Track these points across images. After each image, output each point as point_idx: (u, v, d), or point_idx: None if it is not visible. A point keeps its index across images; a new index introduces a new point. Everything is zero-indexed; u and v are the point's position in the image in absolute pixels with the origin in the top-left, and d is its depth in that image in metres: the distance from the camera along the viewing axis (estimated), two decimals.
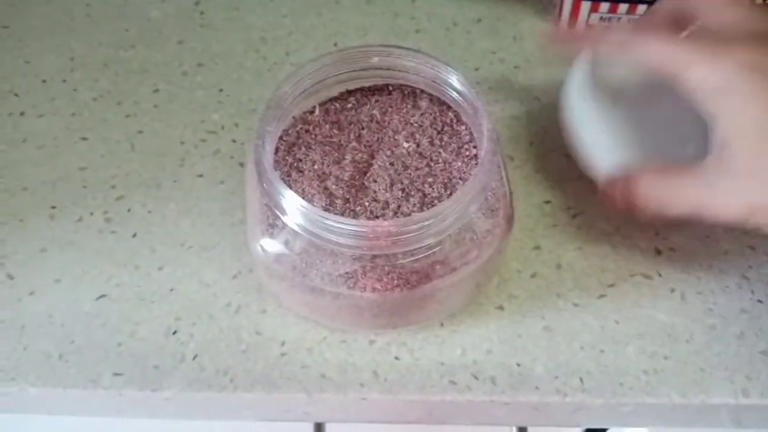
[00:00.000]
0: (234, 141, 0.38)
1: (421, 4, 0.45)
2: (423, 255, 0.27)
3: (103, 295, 0.33)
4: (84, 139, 0.39)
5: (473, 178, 0.27)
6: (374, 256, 0.27)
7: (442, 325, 0.32)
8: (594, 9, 0.41)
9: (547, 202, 0.36)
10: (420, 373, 0.31)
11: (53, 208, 0.36)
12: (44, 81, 0.41)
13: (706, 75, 0.27)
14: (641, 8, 0.41)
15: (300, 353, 0.32)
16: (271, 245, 0.29)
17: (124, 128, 0.39)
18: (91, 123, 0.39)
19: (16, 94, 0.41)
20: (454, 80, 0.30)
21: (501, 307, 0.33)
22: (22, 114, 0.40)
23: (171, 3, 0.45)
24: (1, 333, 0.32)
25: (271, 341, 0.32)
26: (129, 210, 0.36)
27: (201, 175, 0.37)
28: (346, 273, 0.28)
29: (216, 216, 0.36)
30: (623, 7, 0.41)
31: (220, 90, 0.41)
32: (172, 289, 0.33)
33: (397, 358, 0.32)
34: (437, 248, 0.27)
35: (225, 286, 0.34)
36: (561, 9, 0.42)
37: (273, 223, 0.28)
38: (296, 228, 0.27)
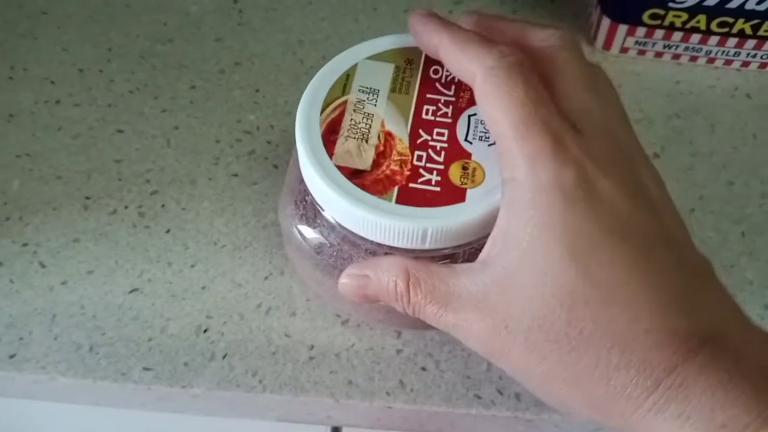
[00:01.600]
0: (269, 143, 0.39)
1: (458, 16, 0.45)
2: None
3: (136, 289, 0.34)
4: (120, 131, 0.39)
5: None
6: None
7: None
8: (630, 33, 0.42)
9: None
10: (445, 385, 0.32)
11: (87, 198, 0.36)
12: (81, 70, 0.42)
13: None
14: (677, 35, 0.41)
15: (328, 358, 0.32)
16: (310, 233, 0.29)
17: (160, 123, 0.39)
18: (127, 115, 0.40)
19: (52, 82, 0.41)
20: None
21: None
22: (57, 102, 0.40)
23: None
24: (32, 321, 0.33)
25: (300, 345, 0.32)
26: (163, 206, 0.36)
27: (236, 175, 0.37)
28: None
29: (249, 216, 0.36)
30: (659, 33, 0.41)
31: (257, 90, 0.41)
32: (204, 288, 0.34)
33: (423, 368, 0.32)
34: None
35: (256, 287, 0.34)
36: (597, 31, 0.43)
37: (309, 213, 0.29)
38: (333, 222, 0.27)
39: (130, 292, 0.34)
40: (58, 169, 0.37)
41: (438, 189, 0.25)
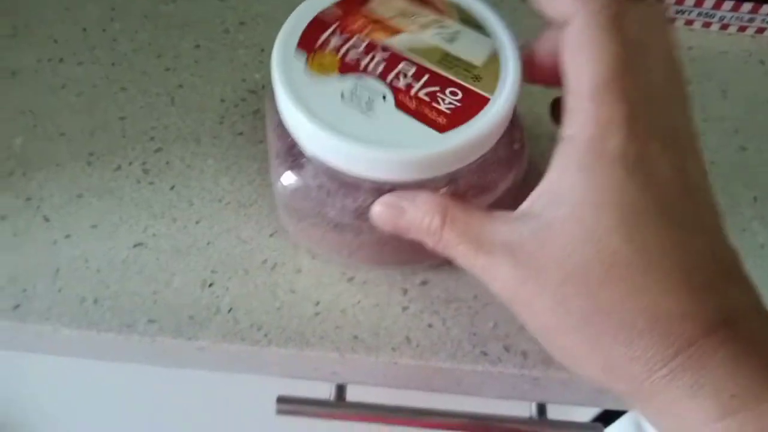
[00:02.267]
0: None
1: None
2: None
3: (140, 244, 0.33)
4: (123, 89, 0.39)
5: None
6: (394, 186, 0.26)
7: (475, 297, 0.33)
8: (678, 2, 0.41)
9: None
10: (451, 342, 0.31)
11: (91, 155, 0.36)
12: (84, 29, 0.41)
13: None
14: (690, 0, 0.41)
15: (333, 314, 0.32)
16: (290, 179, 0.28)
17: (163, 82, 0.39)
18: (131, 74, 0.39)
19: (55, 41, 0.41)
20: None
21: None
22: (61, 60, 0.40)
23: None
24: (36, 274, 0.32)
25: (306, 300, 0.32)
26: (167, 163, 0.36)
27: (240, 133, 0.37)
28: (366, 205, 0.27)
29: (254, 174, 0.36)
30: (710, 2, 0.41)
31: (262, 50, 0.40)
32: (208, 243, 0.34)
33: (429, 325, 0.32)
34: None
35: (261, 244, 0.34)
36: None
37: (293, 158, 0.28)
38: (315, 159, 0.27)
39: (135, 246, 0.33)
40: (62, 127, 0.37)
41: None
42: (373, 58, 0.26)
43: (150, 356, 0.33)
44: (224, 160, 0.36)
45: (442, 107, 0.25)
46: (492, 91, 0.25)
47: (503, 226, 0.23)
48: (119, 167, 0.36)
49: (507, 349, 0.31)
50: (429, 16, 0.28)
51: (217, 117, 0.38)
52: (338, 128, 0.25)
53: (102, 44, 0.40)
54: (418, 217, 0.25)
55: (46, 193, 0.35)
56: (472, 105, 0.25)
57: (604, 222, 0.21)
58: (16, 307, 0.32)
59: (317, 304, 0.32)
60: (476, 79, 0.26)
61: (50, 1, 0.42)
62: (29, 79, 0.39)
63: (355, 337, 0.31)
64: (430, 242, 0.25)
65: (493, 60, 0.26)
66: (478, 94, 0.25)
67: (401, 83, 0.26)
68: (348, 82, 0.26)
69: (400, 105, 0.25)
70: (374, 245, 0.31)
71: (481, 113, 0.25)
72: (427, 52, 0.27)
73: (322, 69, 0.26)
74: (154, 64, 0.40)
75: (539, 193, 0.23)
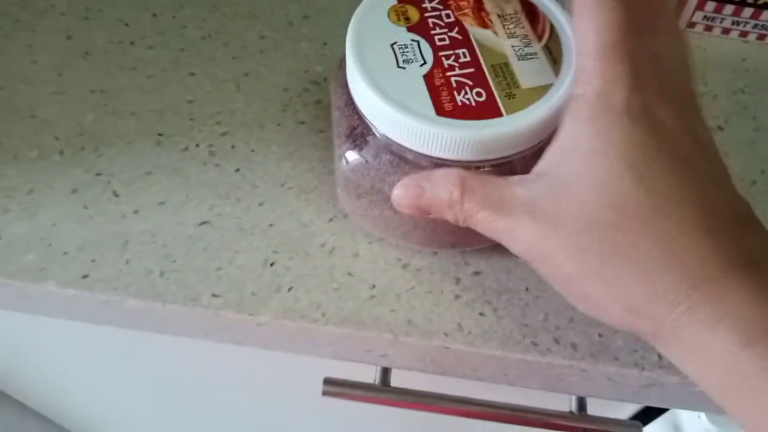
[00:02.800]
0: None
1: None
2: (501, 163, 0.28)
3: (206, 222, 0.35)
4: (192, 74, 0.40)
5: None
6: (454, 165, 0.27)
7: (527, 289, 0.33)
8: (700, 7, 0.42)
9: None
10: (503, 331, 0.32)
11: (160, 135, 0.38)
12: (154, 14, 0.43)
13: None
14: (747, 11, 0.41)
15: (388, 297, 0.33)
16: (353, 156, 0.30)
17: (230, 69, 0.40)
18: (199, 60, 0.41)
19: (126, 24, 0.42)
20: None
21: None
22: (132, 43, 0.41)
23: None
24: (104, 245, 0.34)
25: (362, 283, 0.33)
26: (233, 146, 0.37)
27: (303, 122, 0.38)
28: None
29: (315, 162, 0.37)
30: (729, 8, 0.42)
31: (324, 43, 0.42)
32: (270, 225, 0.35)
33: (481, 314, 0.33)
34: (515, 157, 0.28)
35: (321, 228, 0.35)
36: None
37: (357, 137, 0.30)
38: (378, 135, 0.28)
39: (200, 224, 0.35)
40: (132, 106, 0.39)
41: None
42: (444, 32, 0.28)
43: (210, 331, 0.34)
44: (287, 146, 0.38)
45: (457, 99, 0.27)
46: (512, 111, 0.26)
47: (520, 188, 0.25)
48: (187, 148, 0.37)
49: (557, 340, 0.32)
50: (523, 29, 0.29)
51: (280, 105, 0.39)
52: (401, 102, 0.26)
53: (171, 30, 0.42)
54: (438, 193, 0.26)
55: (116, 169, 0.36)
56: (481, 111, 0.26)
57: (613, 168, 0.22)
58: (85, 276, 0.33)
59: (373, 287, 0.33)
60: (509, 96, 0.27)
61: None
62: (101, 59, 0.40)
63: (409, 321, 0.32)
64: (451, 216, 0.26)
65: (540, 91, 0.27)
66: (497, 107, 0.27)
67: (446, 62, 0.27)
68: (407, 37, 0.27)
69: (428, 76, 0.27)
70: (428, 226, 0.32)
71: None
72: (492, 53, 0.28)
73: (398, 18, 0.28)
74: (221, 51, 0.41)
75: (552, 152, 0.25)
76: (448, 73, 0.27)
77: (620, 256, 0.22)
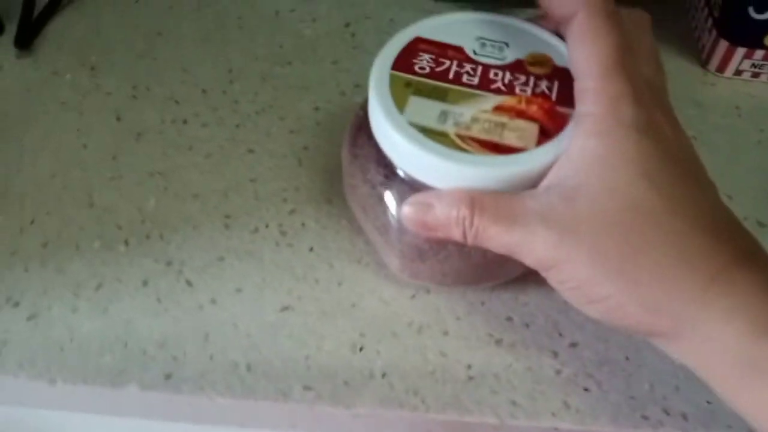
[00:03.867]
0: None
1: None
2: None
3: (287, 307, 0.33)
4: (250, 151, 0.39)
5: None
6: None
7: (627, 358, 0.32)
8: (748, 56, 0.42)
9: None
10: (611, 406, 0.31)
11: (227, 217, 0.36)
12: (204, 91, 0.42)
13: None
14: None
15: (487, 378, 0.32)
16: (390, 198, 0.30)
17: (289, 143, 0.39)
18: (256, 136, 0.40)
19: (176, 102, 0.41)
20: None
21: None
22: (185, 122, 0.40)
23: (322, 22, 0.46)
24: (185, 340, 0.32)
25: (457, 364, 0.32)
26: (303, 224, 0.36)
27: None
28: None
29: None
30: None
31: None
32: (353, 305, 0.33)
33: (586, 389, 0.32)
34: None
35: (404, 305, 0.34)
36: (711, 54, 0.43)
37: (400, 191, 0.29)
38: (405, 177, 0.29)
39: (282, 310, 0.33)
40: (194, 188, 0.37)
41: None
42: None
43: (301, 423, 0.32)
44: (356, 220, 0.36)
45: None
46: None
47: (531, 200, 0.25)
48: (256, 229, 0.36)
49: (666, 411, 0.31)
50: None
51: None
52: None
53: (224, 105, 0.41)
54: (446, 210, 0.26)
55: (186, 256, 0.35)
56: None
57: (626, 176, 0.24)
58: (168, 376, 0.31)
59: (469, 367, 0.32)
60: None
61: (166, 62, 0.43)
62: (155, 140, 0.39)
63: (513, 402, 0.31)
64: (459, 233, 0.26)
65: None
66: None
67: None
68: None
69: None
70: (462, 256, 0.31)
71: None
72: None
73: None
74: (277, 125, 0.40)
75: (561, 165, 0.26)
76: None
77: (639, 256, 0.24)
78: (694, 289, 0.23)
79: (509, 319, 0.33)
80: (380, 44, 0.44)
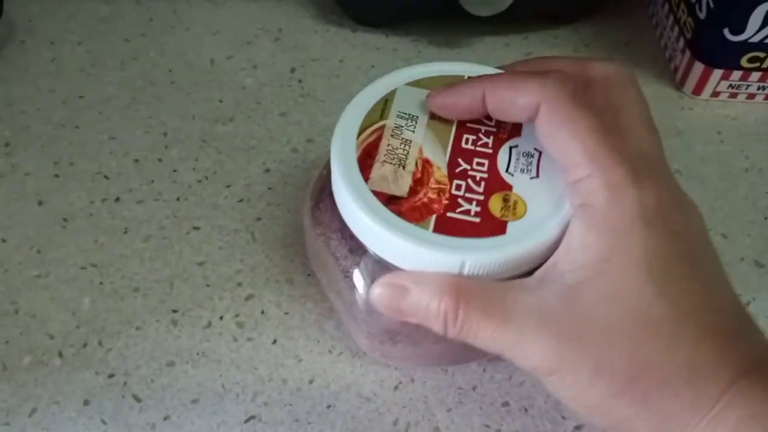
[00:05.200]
0: None
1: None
2: None
3: (252, 417, 0.29)
4: (196, 228, 0.35)
5: None
6: None
7: None
8: (725, 77, 0.40)
9: None
10: None
11: (174, 312, 0.32)
12: (136, 161, 0.37)
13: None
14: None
15: None
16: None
17: (239, 215, 0.35)
18: (200, 209, 0.35)
19: (106, 176, 0.36)
20: None
21: None
22: (117, 200, 0.35)
23: (264, 69, 0.41)
24: None
25: None
26: (263, 312, 0.32)
27: None
28: None
29: None
30: (756, 75, 0.39)
31: None
32: (329, 407, 0.29)
33: None
34: None
35: (387, 399, 0.30)
36: (686, 76, 0.41)
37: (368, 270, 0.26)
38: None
39: (247, 420, 0.29)
40: (134, 280, 0.33)
41: (477, 220, 0.24)
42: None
43: None
44: (324, 301, 0.32)
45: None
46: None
47: (525, 296, 0.23)
48: (209, 324, 0.31)
49: None
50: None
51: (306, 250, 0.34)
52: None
53: (160, 176, 0.36)
54: (425, 299, 0.23)
55: (130, 366, 0.30)
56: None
57: (632, 280, 0.22)
58: None
59: None
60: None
61: (91, 129, 0.38)
62: (84, 225, 0.35)
63: None
64: (440, 327, 0.23)
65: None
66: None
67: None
68: None
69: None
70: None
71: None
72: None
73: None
74: (224, 195, 0.36)
75: (556, 260, 0.23)
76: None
77: (646, 370, 0.22)
78: (705, 404, 0.21)
79: (505, 404, 0.30)
80: (330, 90, 0.41)
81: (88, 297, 0.32)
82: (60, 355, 0.30)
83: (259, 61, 0.42)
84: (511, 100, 0.24)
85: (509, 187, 0.25)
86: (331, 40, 0.43)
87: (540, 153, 0.26)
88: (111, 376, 0.30)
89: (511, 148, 0.26)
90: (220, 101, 0.40)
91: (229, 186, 0.36)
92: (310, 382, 0.30)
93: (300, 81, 0.41)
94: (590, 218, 0.22)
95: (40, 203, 0.35)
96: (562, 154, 0.23)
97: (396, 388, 0.30)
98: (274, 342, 0.31)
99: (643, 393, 0.22)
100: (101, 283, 0.33)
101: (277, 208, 0.35)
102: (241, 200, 0.36)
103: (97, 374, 0.30)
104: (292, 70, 0.41)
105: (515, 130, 0.26)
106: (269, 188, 0.36)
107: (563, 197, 0.24)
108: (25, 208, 0.35)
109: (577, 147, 0.22)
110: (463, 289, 0.23)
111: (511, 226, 0.24)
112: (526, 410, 0.30)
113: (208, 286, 0.33)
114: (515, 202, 0.24)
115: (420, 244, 0.23)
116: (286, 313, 0.32)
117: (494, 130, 0.26)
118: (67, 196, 0.36)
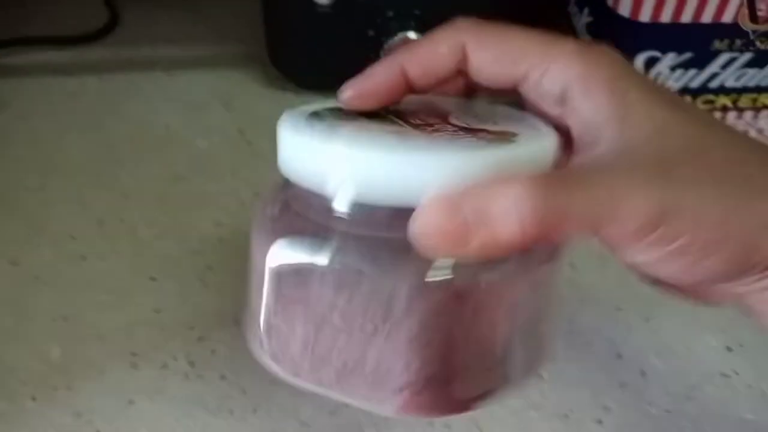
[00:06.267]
0: None
1: None
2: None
3: None
4: (153, 279, 0.39)
5: None
6: None
7: None
8: None
9: (618, 309, 0.38)
10: None
11: (134, 355, 0.36)
12: (100, 221, 0.41)
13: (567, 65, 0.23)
14: None
15: None
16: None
17: (192, 266, 0.39)
18: (157, 262, 0.39)
19: (73, 237, 0.40)
20: None
21: (600, 421, 0.34)
22: (83, 258, 0.40)
23: (216, 132, 0.46)
24: None
25: None
26: (213, 351, 0.36)
27: None
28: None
29: None
30: None
31: None
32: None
33: None
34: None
35: (324, 424, 0.33)
36: None
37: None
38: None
39: None
40: (98, 329, 0.37)
41: (475, 138, 0.22)
42: None
43: None
44: None
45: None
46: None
47: (594, 165, 0.21)
48: (165, 365, 0.35)
49: None
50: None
51: None
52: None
53: (121, 235, 0.41)
54: (496, 192, 0.19)
55: (95, 405, 0.34)
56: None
57: (673, 115, 0.22)
58: None
59: None
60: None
61: (60, 193, 0.42)
62: (53, 282, 0.39)
63: None
64: (515, 224, 0.19)
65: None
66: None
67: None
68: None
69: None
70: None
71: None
72: None
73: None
74: (179, 248, 0.40)
75: (580, 143, 0.23)
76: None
77: (730, 170, 0.21)
78: None
79: (430, 424, 0.34)
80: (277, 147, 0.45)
81: (58, 346, 0.36)
82: (33, 399, 0.34)
83: (210, 125, 0.47)
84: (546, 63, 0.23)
85: (484, 130, 0.22)
86: (277, 102, 0.48)
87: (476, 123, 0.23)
88: (77, 415, 0.34)
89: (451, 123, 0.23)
90: (175, 163, 0.44)
91: (183, 240, 0.40)
92: (254, 411, 0.34)
93: (249, 143, 0.45)
94: (584, 85, 0.23)
95: (13, 263, 0.39)
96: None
97: (332, 413, 0.34)
98: (222, 377, 0.35)
99: (743, 193, 0.21)
100: (69, 333, 0.36)
101: (227, 257, 0.39)
102: (195, 252, 0.40)
103: (65, 415, 0.34)
104: (240, 131, 0.46)
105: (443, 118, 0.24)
106: (220, 240, 0.40)
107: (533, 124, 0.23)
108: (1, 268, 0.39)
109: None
110: (532, 176, 0.20)
111: (515, 140, 0.21)
112: (449, 427, 0.33)
113: (163, 330, 0.37)
114: (500, 132, 0.22)
115: (458, 149, 0.20)
116: (233, 351, 0.36)
117: (422, 122, 0.23)
118: (40, 256, 0.40)
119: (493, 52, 0.24)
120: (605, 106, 0.22)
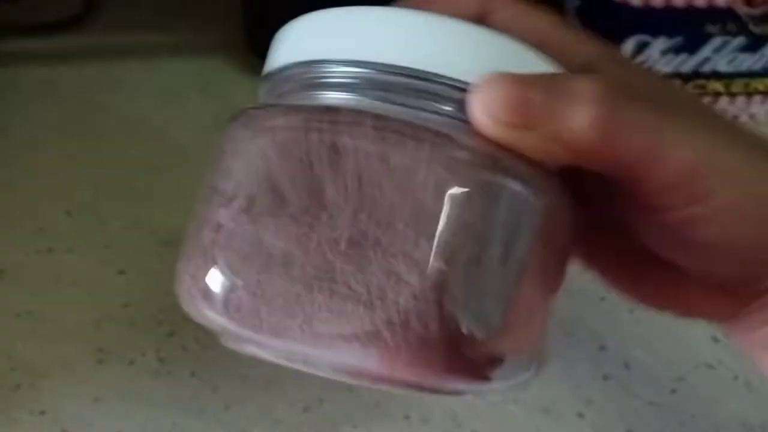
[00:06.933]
0: None
1: None
2: None
3: None
4: (121, 273, 0.37)
5: None
6: None
7: None
8: None
9: (602, 299, 0.37)
10: None
11: (100, 351, 0.34)
12: (68, 213, 0.40)
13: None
14: None
15: None
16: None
17: (161, 258, 0.38)
18: (126, 255, 0.38)
19: (41, 229, 0.39)
20: None
21: (582, 415, 0.33)
22: (50, 250, 0.38)
23: (192, 121, 0.45)
24: None
25: None
26: (183, 347, 0.35)
27: None
28: None
29: None
30: None
31: None
32: (243, 431, 0.32)
33: None
34: None
35: (298, 422, 0.32)
36: None
37: None
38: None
39: None
40: (64, 324, 0.35)
41: None
42: None
43: None
44: None
45: None
46: None
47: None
48: (132, 361, 0.34)
49: None
50: None
51: None
52: None
53: (90, 226, 0.39)
54: (571, 78, 0.18)
55: (60, 403, 0.33)
56: None
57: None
58: None
59: None
60: None
61: (28, 187, 0.41)
62: (19, 276, 0.37)
63: None
64: (586, 116, 0.17)
65: None
66: None
67: None
68: None
69: None
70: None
71: None
72: None
73: None
74: (149, 240, 0.39)
75: None
76: None
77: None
78: None
79: (407, 417, 0.33)
80: None
81: (21, 342, 0.35)
82: None
83: (187, 114, 0.45)
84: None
85: None
86: (254, 91, 0.47)
87: None
88: (42, 413, 0.32)
89: None
90: (149, 154, 0.43)
91: (154, 232, 0.39)
92: (226, 408, 0.33)
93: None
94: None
95: None
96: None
97: (306, 409, 0.33)
98: (192, 374, 0.34)
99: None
100: (34, 328, 0.35)
101: None
102: (165, 244, 0.38)
103: (30, 412, 0.33)
104: (218, 120, 0.45)
105: None
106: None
107: None
108: None
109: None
110: (614, 83, 0.18)
111: None
112: (425, 421, 0.32)
113: (132, 326, 0.35)
114: None
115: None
116: (204, 348, 0.35)
117: None
118: (5, 249, 0.38)
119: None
120: None
